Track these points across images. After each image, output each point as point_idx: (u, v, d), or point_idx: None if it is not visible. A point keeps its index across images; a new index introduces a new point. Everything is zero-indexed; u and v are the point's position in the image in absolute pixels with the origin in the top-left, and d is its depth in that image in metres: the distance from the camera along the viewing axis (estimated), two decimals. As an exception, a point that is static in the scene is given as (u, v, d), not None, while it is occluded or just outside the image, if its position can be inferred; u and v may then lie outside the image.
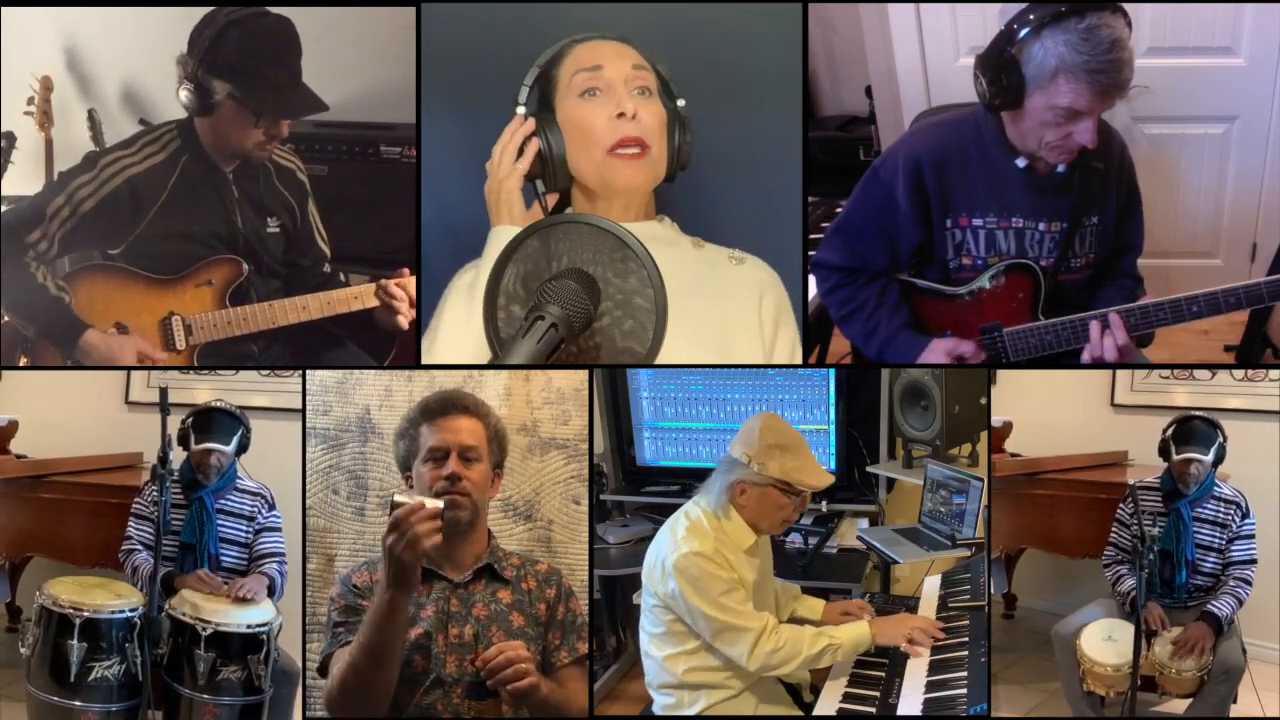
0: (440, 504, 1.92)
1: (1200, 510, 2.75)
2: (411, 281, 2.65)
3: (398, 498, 1.90)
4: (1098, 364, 2.35)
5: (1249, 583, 2.72)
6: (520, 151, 2.20)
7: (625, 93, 2.17)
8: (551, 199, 2.28)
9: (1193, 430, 2.74)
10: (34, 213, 2.52)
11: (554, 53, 2.23)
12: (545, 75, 2.23)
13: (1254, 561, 2.74)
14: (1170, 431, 2.76)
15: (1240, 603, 2.69)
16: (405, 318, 2.65)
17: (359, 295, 2.65)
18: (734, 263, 2.30)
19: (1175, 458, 2.74)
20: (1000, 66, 2.24)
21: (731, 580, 2.13)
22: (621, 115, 2.16)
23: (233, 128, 2.55)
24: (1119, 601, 2.77)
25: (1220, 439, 2.73)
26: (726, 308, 2.25)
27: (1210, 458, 2.72)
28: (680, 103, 2.25)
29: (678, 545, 2.15)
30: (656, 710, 2.29)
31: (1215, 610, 2.63)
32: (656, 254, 2.13)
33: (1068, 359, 2.44)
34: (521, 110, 2.23)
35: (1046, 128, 2.27)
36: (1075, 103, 2.20)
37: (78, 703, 2.45)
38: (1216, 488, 2.77)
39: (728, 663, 2.18)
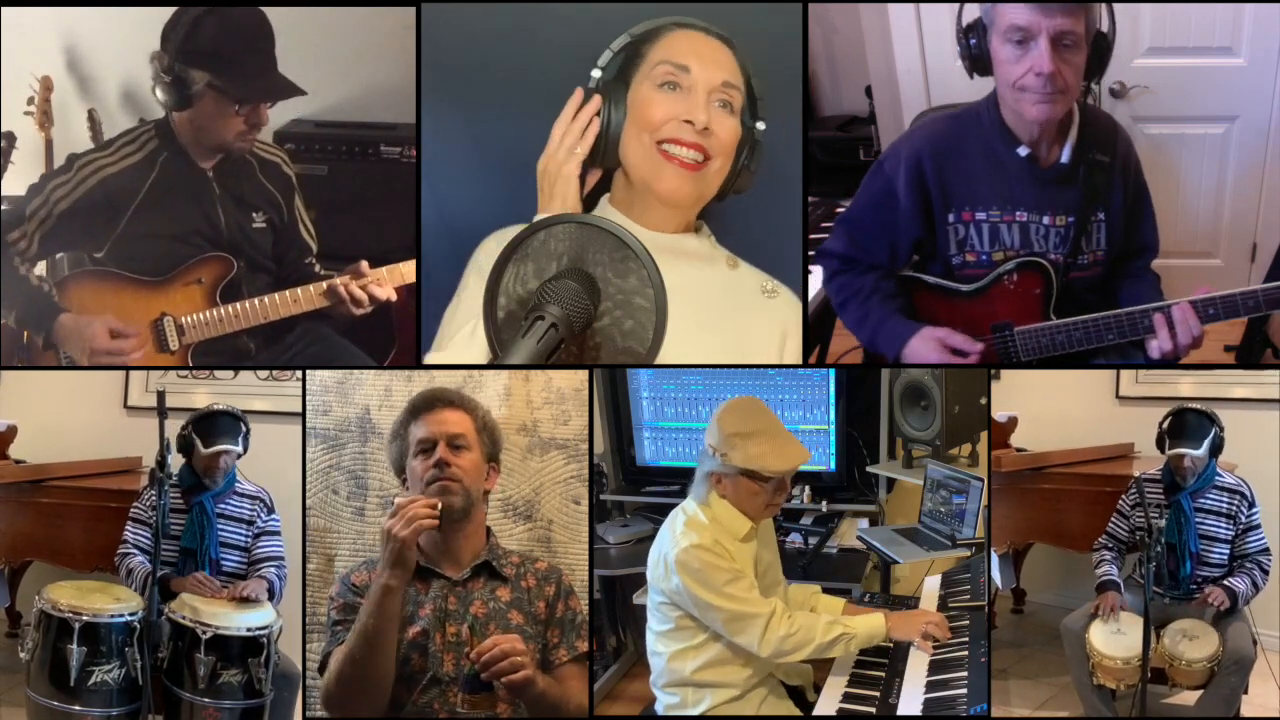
0: (438, 500, 2.04)
1: (1202, 501, 2.75)
2: (379, 272, 2.64)
3: (400, 498, 2.02)
4: (1155, 362, 2.34)
5: (1265, 571, 2.71)
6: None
7: (704, 102, 2.08)
8: (593, 177, 2.20)
9: (1184, 424, 2.73)
10: (16, 213, 2.54)
11: (650, 28, 2.14)
12: (634, 47, 2.14)
13: (1268, 550, 2.74)
14: (1165, 425, 2.76)
15: (1255, 586, 2.68)
16: (358, 308, 2.63)
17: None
18: (766, 295, 2.23)
19: (1169, 452, 2.74)
20: (965, 29, 2.30)
21: (734, 569, 2.13)
22: (689, 123, 2.07)
23: (213, 118, 2.54)
24: (1095, 586, 2.77)
25: (1215, 430, 2.72)
26: (747, 341, 2.20)
27: (1203, 451, 2.71)
28: (760, 125, 2.17)
29: (677, 541, 2.15)
30: (659, 710, 2.28)
31: (1233, 587, 2.64)
32: (686, 268, 2.07)
33: (1073, 360, 2.43)
34: (597, 74, 2.13)
35: (1008, 67, 2.27)
36: (1015, 18, 2.22)
37: (78, 707, 2.44)
38: (1219, 477, 2.76)
39: (736, 657, 2.18)
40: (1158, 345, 2.32)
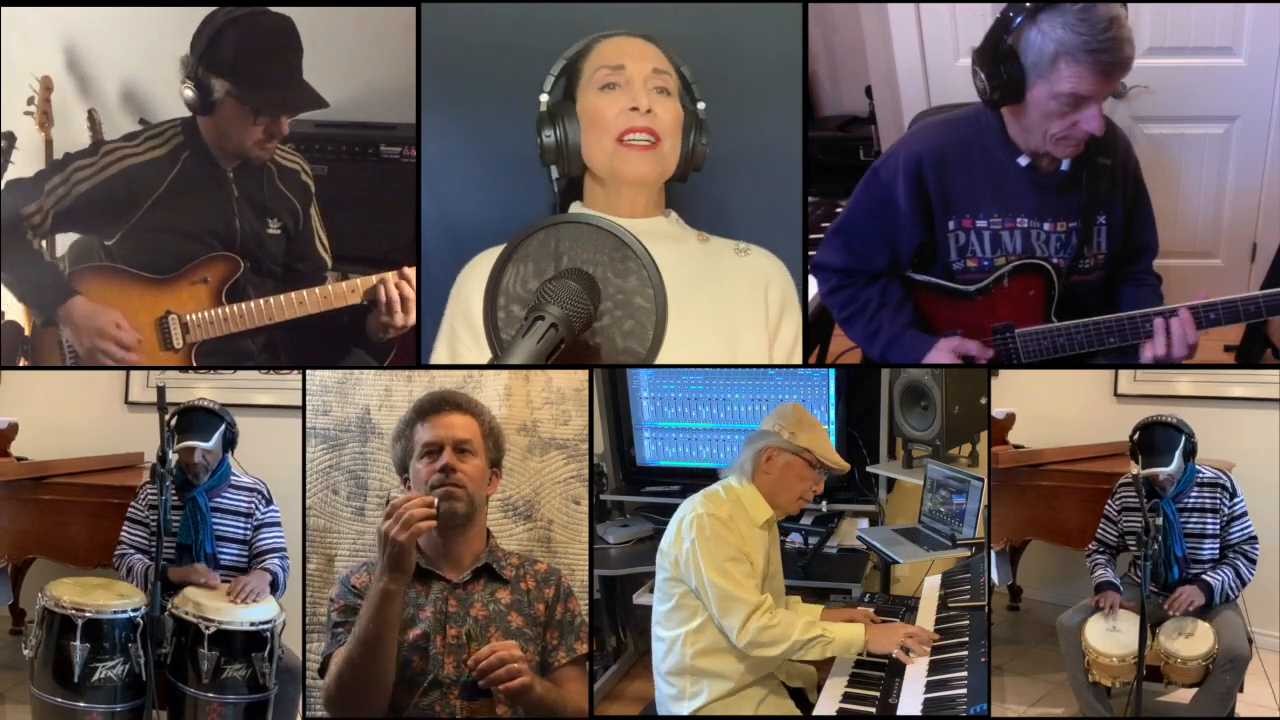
0: (435, 498, 2.01)
1: (1186, 501, 2.74)
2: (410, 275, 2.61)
3: (395, 495, 2.00)
4: (1157, 364, 2.33)
5: (1251, 560, 2.70)
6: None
7: (643, 90, 2.27)
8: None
9: (1152, 441, 2.68)
10: (33, 186, 2.55)
11: (580, 47, 2.34)
12: (571, 67, 2.33)
13: (1254, 539, 2.72)
14: (1135, 438, 2.71)
15: (1239, 576, 2.68)
16: (394, 317, 2.59)
17: (355, 288, 2.62)
18: (739, 254, 2.38)
19: (1142, 472, 2.66)
20: (998, 59, 2.22)
21: (739, 549, 2.20)
22: (635, 109, 2.25)
23: (233, 126, 2.55)
24: (1093, 587, 2.76)
25: (1184, 439, 2.67)
26: (732, 300, 2.31)
27: (1174, 465, 2.66)
28: (700, 105, 2.34)
29: (695, 507, 2.25)
30: (658, 699, 2.29)
31: (1209, 580, 2.64)
32: (661, 249, 2.15)
33: (1072, 359, 2.43)
34: (545, 98, 2.31)
35: (1051, 119, 2.24)
36: (1078, 87, 2.17)
37: (82, 704, 2.45)
38: (1198, 474, 2.75)
39: (733, 647, 2.19)
40: (1152, 351, 2.31)
